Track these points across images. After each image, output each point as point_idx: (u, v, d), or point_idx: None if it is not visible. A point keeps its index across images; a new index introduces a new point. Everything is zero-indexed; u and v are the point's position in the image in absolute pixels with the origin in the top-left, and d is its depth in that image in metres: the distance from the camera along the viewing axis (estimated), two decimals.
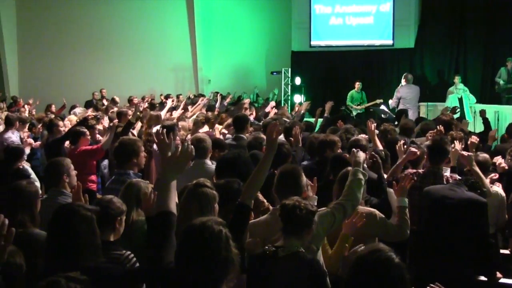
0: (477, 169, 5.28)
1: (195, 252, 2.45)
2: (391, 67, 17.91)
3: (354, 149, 4.23)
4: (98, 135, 8.32)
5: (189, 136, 7.93)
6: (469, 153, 5.53)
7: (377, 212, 4.23)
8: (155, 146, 7.45)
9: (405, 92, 13.47)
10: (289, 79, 19.14)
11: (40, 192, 3.94)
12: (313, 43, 18.79)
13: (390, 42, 17.95)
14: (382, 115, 12.63)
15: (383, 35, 18.07)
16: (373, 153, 5.39)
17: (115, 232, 3.50)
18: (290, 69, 19.07)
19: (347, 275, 2.55)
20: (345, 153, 5.31)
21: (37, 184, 5.67)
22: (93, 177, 7.06)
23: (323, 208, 3.83)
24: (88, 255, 2.93)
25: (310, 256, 3.32)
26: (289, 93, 19.19)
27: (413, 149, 5.60)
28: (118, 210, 3.55)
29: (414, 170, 5.45)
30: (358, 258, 2.51)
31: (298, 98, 18.08)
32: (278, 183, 3.98)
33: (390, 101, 13.76)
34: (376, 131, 6.74)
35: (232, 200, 3.63)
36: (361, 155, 4.17)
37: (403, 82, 13.79)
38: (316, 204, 4.01)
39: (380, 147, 6.36)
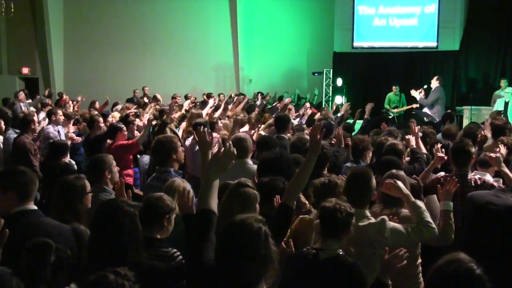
0: (506, 170, 5.15)
1: (233, 249, 2.45)
2: (435, 70, 17.53)
3: (393, 181, 4.03)
4: (136, 131, 8.43)
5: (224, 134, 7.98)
6: (497, 154, 5.36)
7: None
8: (186, 142, 7.50)
9: (441, 93, 13.27)
10: (330, 80, 19.03)
11: (89, 186, 3.96)
12: (355, 44, 18.62)
13: (434, 44, 17.64)
14: (425, 118, 12.41)
15: (427, 37, 17.77)
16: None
17: (163, 230, 3.44)
18: (331, 70, 18.96)
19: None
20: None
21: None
22: (129, 171, 7.22)
23: (399, 225, 3.76)
24: (130, 251, 2.95)
25: (351, 260, 3.26)
26: (330, 94, 19.09)
27: (441, 154, 5.48)
28: (167, 208, 3.48)
29: (446, 174, 5.31)
30: (435, 269, 2.39)
31: (339, 99, 17.96)
32: (348, 185, 3.91)
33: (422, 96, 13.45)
34: (420, 134, 6.62)
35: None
36: (401, 184, 4.03)
37: (437, 83, 13.49)
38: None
39: (424, 149, 6.25)
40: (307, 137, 5.81)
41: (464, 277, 2.28)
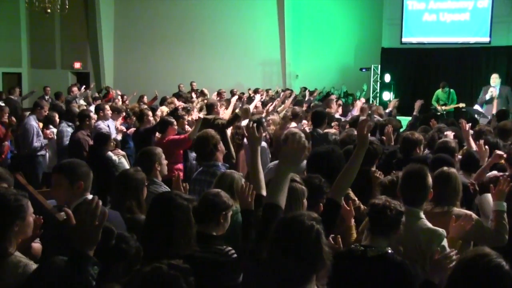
0: None
1: (284, 246, 2.41)
2: (487, 66, 17.09)
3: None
4: (187, 126, 8.52)
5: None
6: None
7: (474, 214, 4.04)
8: (245, 140, 7.56)
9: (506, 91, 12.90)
10: (378, 76, 18.80)
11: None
12: (404, 40, 18.33)
13: (487, 39, 17.19)
14: (476, 116, 12.09)
15: (479, 32, 17.33)
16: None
17: (219, 227, 3.41)
18: (379, 66, 18.71)
19: (448, 281, 2.41)
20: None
21: None
22: (180, 166, 7.25)
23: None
24: (182, 244, 2.97)
25: (400, 258, 3.22)
26: (378, 90, 18.85)
27: (499, 152, 5.33)
28: (224, 204, 3.44)
29: (501, 173, 5.16)
30: (463, 263, 2.35)
31: (386, 96, 17.71)
32: (403, 183, 3.83)
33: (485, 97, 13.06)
34: (471, 132, 6.47)
35: (313, 197, 3.59)
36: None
37: (497, 81, 13.06)
38: None
39: (474, 147, 6.11)
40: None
41: (493, 272, 2.24)
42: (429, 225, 3.63)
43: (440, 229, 3.61)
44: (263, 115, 8.65)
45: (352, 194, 4.25)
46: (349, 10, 20.47)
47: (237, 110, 8.47)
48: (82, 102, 12.89)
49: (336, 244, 3.45)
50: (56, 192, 3.52)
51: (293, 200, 3.44)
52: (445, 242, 3.58)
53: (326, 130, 7.55)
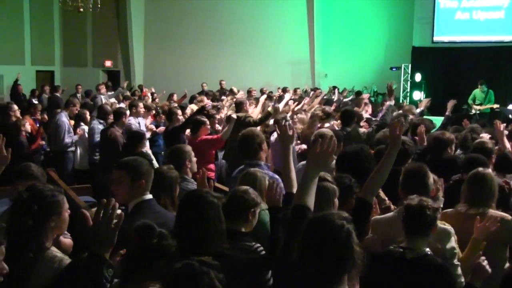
0: None
1: (314, 245, 2.38)
2: None
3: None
4: (217, 125, 8.54)
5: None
6: None
7: (510, 217, 3.95)
8: (272, 138, 7.54)
9: None
10: (409, 75, 18.60)
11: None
12: (435, 38, 18.11)
13: None
14: (510, 115, 11.88)
15: None
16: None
17: (247, 223, 3.41)
18: (410, 65, 18.51)
19: None
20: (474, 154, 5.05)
21: None
22: (211, 166, 7.23)
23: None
24: (213, 241, 2.97)
25: (440, 260, 3.16)
26: (408, 90, 18.63)
27: None
28: (253, 201, 3.43)
29: None
30: (509, 276, 2.30)
31: (417, 95, 17.50)
32: (404, 182, 3.86)
33: None
34: (505, 132, 6.34)
35: (343, 196, 3.57)
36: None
37: None
38: (441, 206, 3.83)
39: (509, 148, 5.99)
40: None
41: None
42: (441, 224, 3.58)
43: (448, 227, 3.56)
44: (289, 114, 8.61)
45: (382, 194, 4.21)
46: (379, 8, 20.26)
47: (269, 109, 8.45)
48: (113, 100, 13.03)
49: (374, 245, 3.42)
50: (116, 189, 3.54)
51: (323, 200, 3.42)
52: (453, 241, 3.55)
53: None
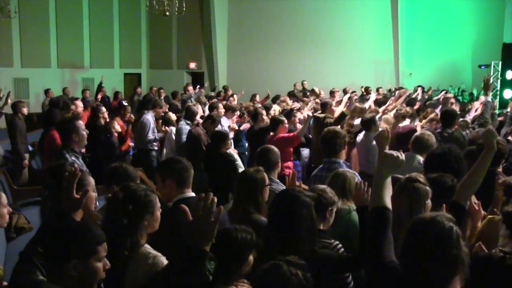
0: None
1: (423, 248, 2.33)
2: None
3: None
4: (298, 124, 8.56)
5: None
6: None
7: None
8: (358, 138, 7.49)
9: None
10: (499, 73, 17.78)
11: (267, 179, 4.10)
12: None
13: None
14: None
15: None
16: None
17: (325, 221, 3.48)
18: (500, 63, 17.70)
19: None
20: None
21: (242, 170, 5.95)
22: (289, 164, 7.31)
23: None
24: (306, 240, 3.00)
25: None
26: (498, 88, 17.84)
27: None
28: (330, 200, 3.52)
29: None
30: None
31: (508, 94, 16.73)
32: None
33: None
34: None
35: (443, 197, 3.48)
36: None
37: None
38: None
39: None
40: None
41: None
42: None
43: None
44: (379, 114, 8.50)
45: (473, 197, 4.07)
46: (467, 4, 19.58)
47: (344, 109, 8.41)
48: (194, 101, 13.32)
49: (480, 250, 3.32)
50: (157, 190, 3.65)
51: (414, 201, 3.36)
52: None
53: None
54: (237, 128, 9.15)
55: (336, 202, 3.56)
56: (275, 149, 5.11)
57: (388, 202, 2.80)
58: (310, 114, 7.94)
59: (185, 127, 8.70)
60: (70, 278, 2.31)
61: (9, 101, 9.87)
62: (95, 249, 2.37)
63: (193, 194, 3.64)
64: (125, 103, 9.61)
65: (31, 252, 2.53)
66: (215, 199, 2.30)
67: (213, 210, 2.28)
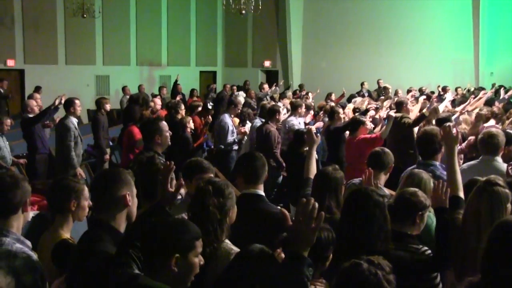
0: None
1: (507, 251, 2.25)
2: None
3: None
4: (371, 124, 8.43)
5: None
6: None
7: None
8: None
9: None
10: None
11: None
12: None
13: None
14: None
15: None
16: None
17: (415, 226, 3.36)
18: None
19: None
20: None
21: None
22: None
23: None
24: (378, 240, 2.98)
25: None
26: None
27: None
28: (421, 204, 3.38)
29: None
30: None
31: None
32: None
33: None
34: None
35: None
36: None
37: None
38: None
39: None
40: None
41: None
42: None
43: None
44: (457, 114, 8.25)
45: None
46: None
47: (424, 110, 8.19)
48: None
49: None
50: None
51: (494, 205, 3.25)
52: None
53: None
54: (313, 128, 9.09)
55: (428, 206, 3.43)
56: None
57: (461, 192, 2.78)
58: (392, 114, 7.74)
59: (259, 124, 8.75)
60: (169, 273, 2.31)
61: (57, 102, 8.84)
62: (194, 244, 2.37)
63: (259, 192, 3.66)
64: (209, 106, 9.73)
65: (128, 245, 2.53)
66: (316, 205, 2.28)
67: (314, 216, 2.26)
